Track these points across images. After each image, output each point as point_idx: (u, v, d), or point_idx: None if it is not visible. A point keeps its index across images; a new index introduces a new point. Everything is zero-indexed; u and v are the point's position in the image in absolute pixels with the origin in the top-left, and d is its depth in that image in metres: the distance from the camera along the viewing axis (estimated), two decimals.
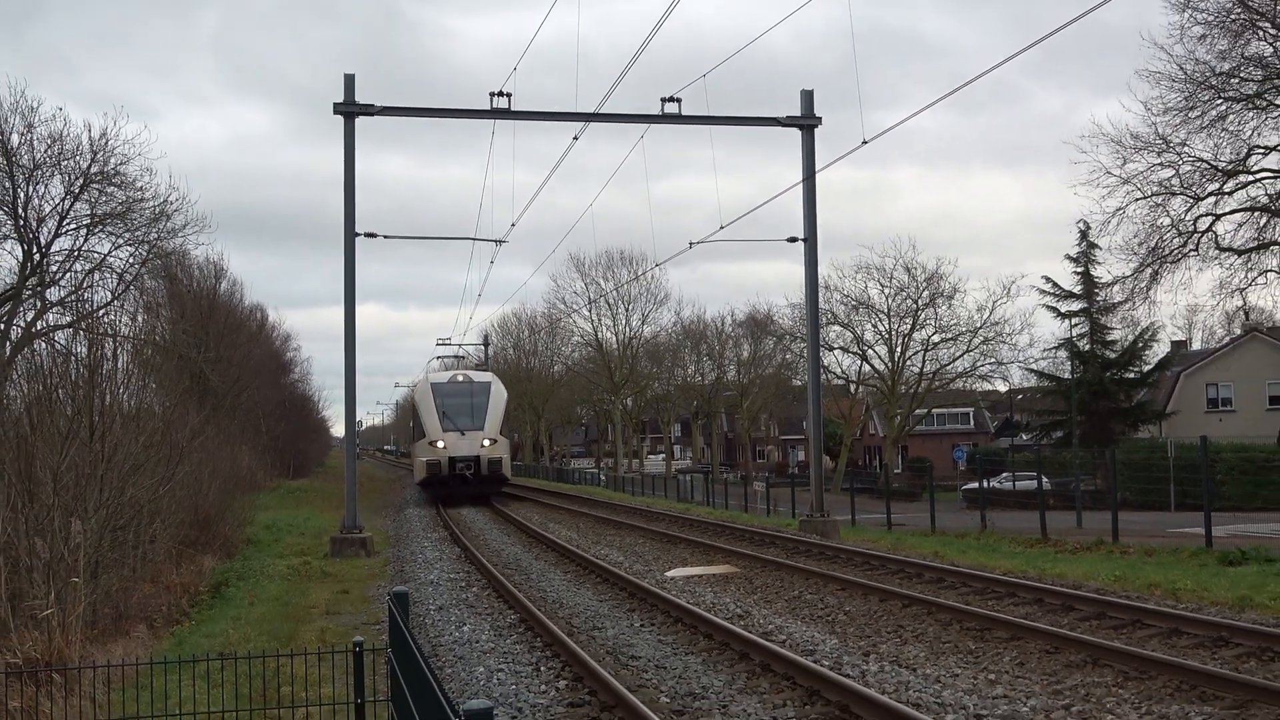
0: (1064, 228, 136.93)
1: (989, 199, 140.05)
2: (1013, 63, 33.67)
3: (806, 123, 27.61)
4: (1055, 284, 53.64)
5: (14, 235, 30.22)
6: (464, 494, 40.83)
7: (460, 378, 44.13)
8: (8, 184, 29.69)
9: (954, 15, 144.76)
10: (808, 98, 27.76)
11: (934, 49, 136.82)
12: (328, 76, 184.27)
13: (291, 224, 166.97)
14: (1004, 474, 46.06)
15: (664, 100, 25.93)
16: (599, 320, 78.45)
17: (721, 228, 26.63)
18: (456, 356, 70.87)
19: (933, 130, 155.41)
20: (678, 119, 26.20)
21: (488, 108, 25.85)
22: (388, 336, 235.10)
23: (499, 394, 42.98)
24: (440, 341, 47.81)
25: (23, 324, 29.55)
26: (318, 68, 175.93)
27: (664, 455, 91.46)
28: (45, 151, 29.83)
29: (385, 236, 27.76)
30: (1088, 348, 52.26)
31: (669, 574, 19.61)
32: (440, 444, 39.92)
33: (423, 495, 44.78)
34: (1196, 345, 66.91)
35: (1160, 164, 35.70)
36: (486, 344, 79.43)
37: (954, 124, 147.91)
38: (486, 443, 40.50)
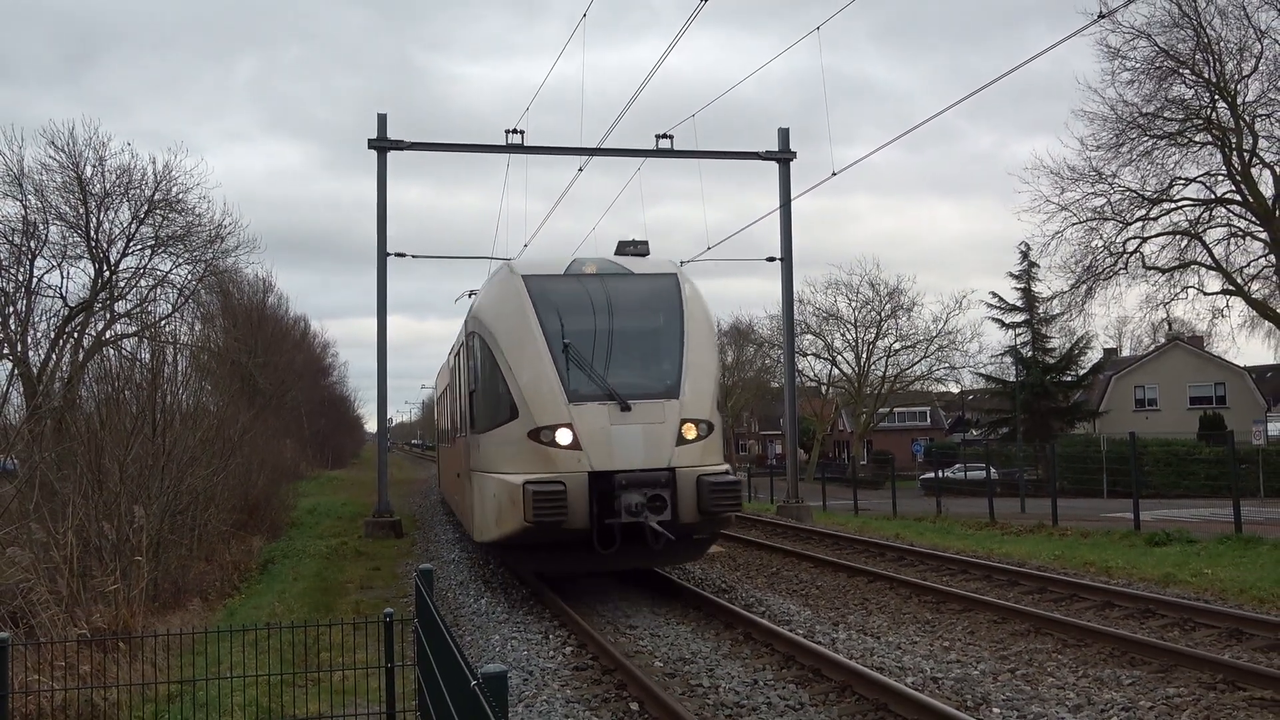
0: (999, 247, 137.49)
1: (933, 223, 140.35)
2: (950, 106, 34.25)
3: (783, 157, 27.58)
4: (1000, 298, 53.86)
5: (87, 255, 30.35)
6: (625, 564, 12.76)
7: (591, 268, 13.75)
8: (82, 210, 29.80)
9: (899, 63, 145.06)
10: (784, 135, 27.71)
11: (883, 93, 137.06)
12: (351, 117, 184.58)
13: (323, 244, 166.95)
14: (957, 465, 46.13)
15: (658, 136, 25.92)
16: None
17: (709, 248, 26.73)
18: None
19: (883, 164, 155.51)
20: (671, 153, 26.12)
21: (503, 143, 25.77)
22: (411, 344, 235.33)
23: (696, 301, 13.59)
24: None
25: (94, 333, 29.57)
26: (342, 110, 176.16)
27: None
28: (115, 182, 29.96)
29: (413, 256, 27.70)
30: (1030, 354, 52.38)
31: None
32: (563, 438, 12.04)
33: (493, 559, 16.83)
34: (1126, 352, 66.98)
35: (1094, 193, 35.95)
36: None
37: (901, 159, 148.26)
38: (689, 432, 12.37)
